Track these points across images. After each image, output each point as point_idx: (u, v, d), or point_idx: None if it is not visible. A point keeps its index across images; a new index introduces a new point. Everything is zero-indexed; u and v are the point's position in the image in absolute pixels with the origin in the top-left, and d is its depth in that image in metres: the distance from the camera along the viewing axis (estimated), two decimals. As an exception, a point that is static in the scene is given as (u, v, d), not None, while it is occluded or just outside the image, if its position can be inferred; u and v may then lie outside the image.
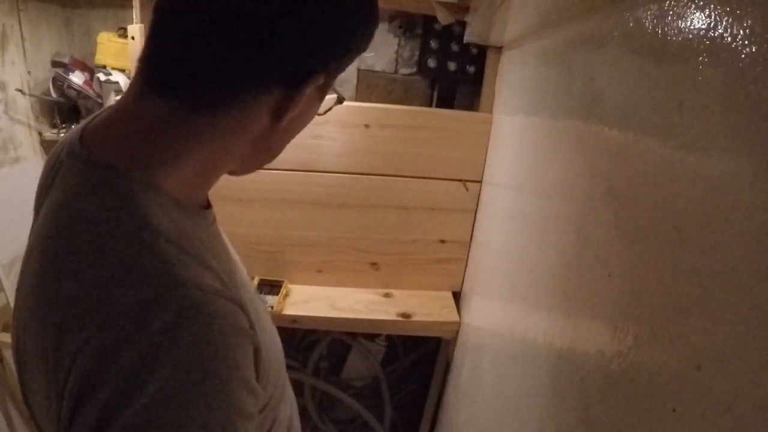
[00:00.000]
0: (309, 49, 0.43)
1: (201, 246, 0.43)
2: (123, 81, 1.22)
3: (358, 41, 0.48)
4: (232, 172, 0.51)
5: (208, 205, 0.52)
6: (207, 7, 0.40)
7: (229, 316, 0.39)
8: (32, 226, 0.47)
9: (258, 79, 0.43)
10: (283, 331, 1.14)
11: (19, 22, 1.14)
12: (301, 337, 1.62)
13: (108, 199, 0.40)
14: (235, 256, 0.58)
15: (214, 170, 0.48)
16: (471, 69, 1.28)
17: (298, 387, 0.74)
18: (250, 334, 0.41)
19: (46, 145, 1.22)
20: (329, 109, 0.56)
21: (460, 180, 1.28)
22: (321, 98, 0.51)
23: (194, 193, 0.47)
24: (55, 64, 1.22)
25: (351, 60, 0.50)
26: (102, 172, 0.41)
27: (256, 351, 0.43)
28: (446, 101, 1.32)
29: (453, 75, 1.29)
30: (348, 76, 1.30)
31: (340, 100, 0.59)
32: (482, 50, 1.25)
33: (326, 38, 0.44)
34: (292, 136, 0.52)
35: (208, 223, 0.49)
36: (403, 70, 1.31)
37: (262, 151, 0.50)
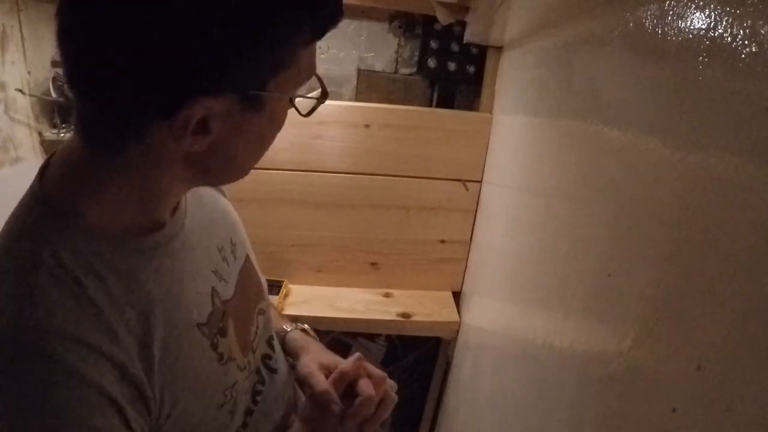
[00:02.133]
0: (166, 78, 0.38)
1: (107, 279, 0.43)
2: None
3: (252, 41, 0.40)
4: (208, 185, 0.52)
5: (161, 227, 0.49)
6: (70, 48, 0.39)
7: (66, 360, 0.39)
8: None
9: (126, 118, 0.41)
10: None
11: (19, 22, 1.14)
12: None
13: (22, 224, 0.43)
14: (194, 284, 0.53)
15: (151, 198, 0.46)
16: (471, 69, 1.28)
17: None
18: (96, 382, 0.40)
19: (46, 145, 1.22)
20: (313, 109, 0.53)
21: (460, 180, 1.28)
22: (271, 106, 0.46)
23: (131, 222, 0.46)
24: (55, 64, 1.22)
25: (272, 60, 0.42)
26: (33, 200, 0.44)
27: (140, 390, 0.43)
28: (446, 101, 1.32)
29: (453, 75, 1.29)
30: (348, 76, 1.30)
31: (323, 96, 0.53)
32: (482, 50, 1.25)
33: (188, 61, 0.38)
34: (246, 147, 0.47)
35: (142, 250, 0.47)
36: (403, 70, 1.31)
37: (211, 169, 0.48)
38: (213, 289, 0.54)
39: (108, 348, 0.41)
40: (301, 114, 0.52)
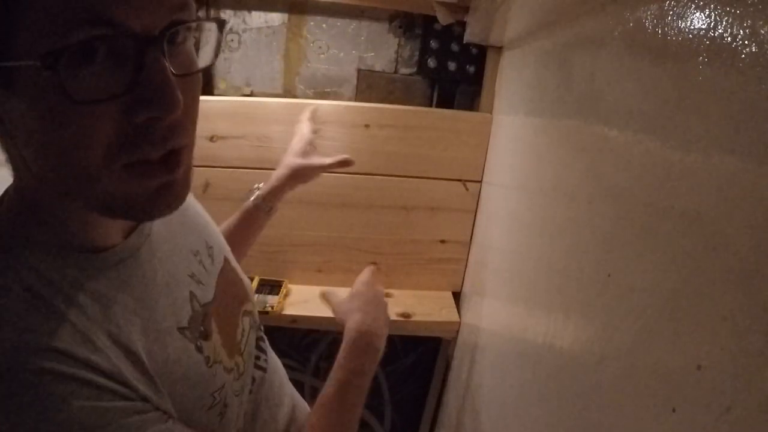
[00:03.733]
0: None
1: (77, 298, 0.41)
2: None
3: None
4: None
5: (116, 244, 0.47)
6: None
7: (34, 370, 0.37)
8: None
9: None
10: (283, 331, 1.14)
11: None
12: (301, 337, 1.62)
13: None
14: (170, 289, 0.51)
15: (71, 217, 0.43)
16: (471, 69, 1.28)
17: (298, 387, 0.74)
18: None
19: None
20: (96, 98, 0.36)
21: (460, 180, 1.28)
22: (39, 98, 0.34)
23: (86, 241, 0.44)
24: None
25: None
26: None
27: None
28: (446, 101, 1.32)
29: (453, 75, 1.29)
30: (348, 76, 1.30)
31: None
32: (482, 50, 1.25)
33: None
34: (30, 139, 0.37)
35: (108, 266, 0.45)
36: (403, 70, 1.31)
37: (43, 176, 0.40)
38: (191, 293, 0.53)
39: (86, 355, 0.39)
40: (71, 98, 0.33)
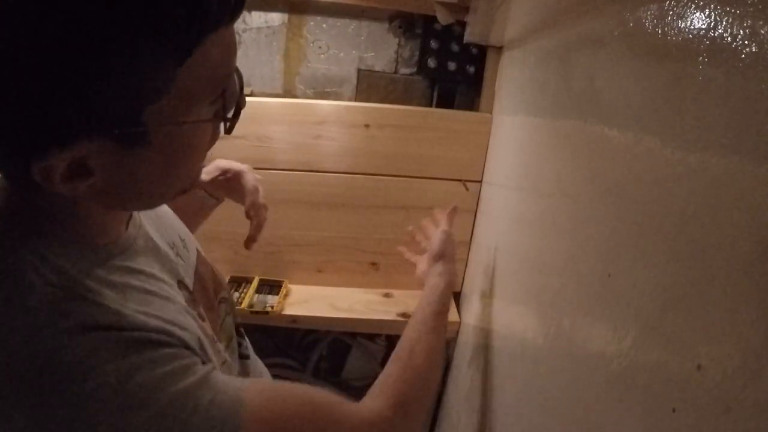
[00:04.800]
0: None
1: (100, 291, 0.43)
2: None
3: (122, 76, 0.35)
4: (134, 210, 0.52)
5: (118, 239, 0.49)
6: None
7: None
8: None
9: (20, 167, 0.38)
10: (283, 331, 1.14)
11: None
12: (301, 337, 1.62)
13: None
14: (163, 278, 0.53)
15: (92, 223, 0.45)
16: (471, 69, 1.28)
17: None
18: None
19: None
20: (231, 126, 0.47)
21: (460, 180, 1.28)
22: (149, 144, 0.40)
23: (88, 235, 0.46)
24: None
25: (140, 102, 0.37)
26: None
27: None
28: (446, 101, 1.32)
29: (453, 75, 1.29)
30: (348, 76, 1.30)
31: (236, 113, 0.47)
32: (482, 50, 1.25)
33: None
34: (147, 180, 0.43)
35: (113, 255, 0.47)
36: (403, 70, 1.31)
37: (124, 201, 0.46)
38: (179, 281, 0.55)
39: (135, 319, 0.42)
40: (218, 135, 0.47)
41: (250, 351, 0.73)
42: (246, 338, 0.73)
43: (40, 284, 0.39)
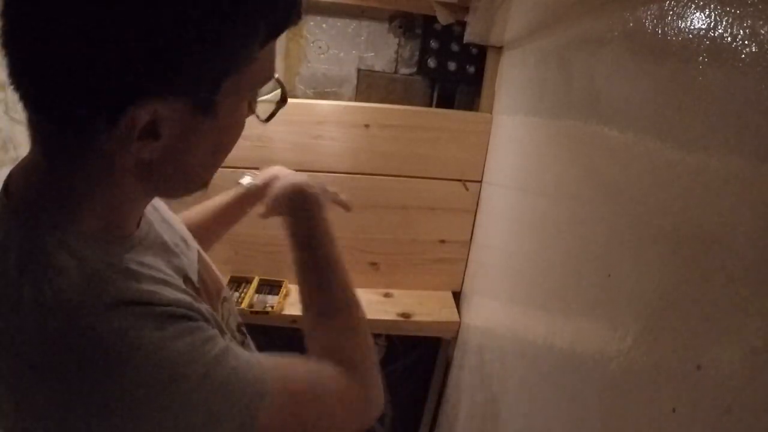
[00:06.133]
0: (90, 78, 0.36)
1: (115, 264, 0.44)
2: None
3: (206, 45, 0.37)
4: (167, 197, 0.53)
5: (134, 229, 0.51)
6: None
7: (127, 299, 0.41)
8: None
9: (75, 126, 0.39)
10: (283, 331, 1.15)
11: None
12: (300, 337, 1.61)
13: (18, 250, 0.41)
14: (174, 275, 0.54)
15: (119, 209, 0.46)
16: (471, 69, 1.28)
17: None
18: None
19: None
20: (272, 114, 0.51)
21: (460, 180, 1.28)
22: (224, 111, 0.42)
23: (113, 225, 0.46)
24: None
25: (223, 64, 0.39)
26: (15, 220, 0.42)
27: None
28: (446, 101, 1.32)
29: (453, 75, 1.29)
30: (348, 76, 1.30)
31: (282, 99, 0.52)
32: (482, 50, 1.25)
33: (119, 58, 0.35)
34: (200, 154, 0.45)
35: (127, 248, 0.47)
36: (403, 70, 1.31)
37: (166, 179, 0.46)
38: (185, 276, 0.56)
39: (165, 294, 0.44)
40: (260, 119, 0.50)
41: (253, 350, 0.73)
42: (249, 337, 0.73)
43: (70, 266, 0.40)
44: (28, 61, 0.37)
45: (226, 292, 0.70)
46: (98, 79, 0.36)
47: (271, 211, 0.74)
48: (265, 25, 0.40)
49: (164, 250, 0.54)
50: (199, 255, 0.67)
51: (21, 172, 0.45)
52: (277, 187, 0.73)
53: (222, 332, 0.50)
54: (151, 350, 0.39)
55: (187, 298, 0.46)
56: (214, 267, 0.70)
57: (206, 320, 0.47)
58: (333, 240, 0.68)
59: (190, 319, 0.44)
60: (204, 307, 0.49)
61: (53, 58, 0.35)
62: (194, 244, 0.68)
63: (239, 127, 0.47)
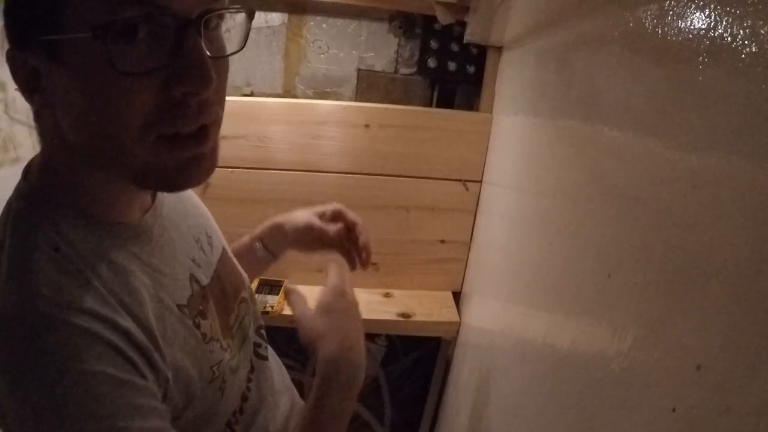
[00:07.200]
0: None
1: (97, 266, 0.44)
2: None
3: None
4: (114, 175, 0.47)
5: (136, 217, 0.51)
6: None
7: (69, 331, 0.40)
8: None
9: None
10: (283, 331, 1.14)
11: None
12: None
13: (14, 230, 0.43)
14: (173, 269, 0.53)
15: (98, 191, 0.46)
16: (471, 69, 1.28)
17: (297, 387, 0.74)
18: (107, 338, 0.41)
19: (46, 145, 1.22)
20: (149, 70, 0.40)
21: (460, 180, 1.28)
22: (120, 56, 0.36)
23: (103, 208, 0.47)
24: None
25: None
26: (20, 198, 0.46)
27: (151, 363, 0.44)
28: (446, 101, 1.32)
29: (453, 75, 1.29)
30: (348, 76, 1.30)
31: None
32: (482, 50, 1.25)
33: None
34: (73, 112, 0.40)
35: (125, 238, 0.48)
36: (403, 70, 1.31)
37: (77, 147, 0.43)
38: (191, 275, 0.56)
39: (111, 316, 0.42)
40: (116, 68, 0.37)
41: (270, 354, 0.72)
42: (266, 340, 0.72)
43: (45, 247, 0.42)
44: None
45: (247, 293, 0.69)
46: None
47: (304, 340, 0.61)
48: None
49: (170, 245, 0.54)
50: (223, 254, 0.66)
51: (38, 158, 0.48)
52: (326, 349, 0.59)
53: (160, 353, 0.47)
54: (79, 380, 0.39)
55: (128, 326, 0.43)
56: (239, 267, 0.70)
57: (138, 346, 0.44)
58: (348, 416, 0.59)
59: (119, 352, 0.42)
60: (148, 326, 0.46)
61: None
62: (221, 242, 0.67)
63: (102, 77, 0.38)
